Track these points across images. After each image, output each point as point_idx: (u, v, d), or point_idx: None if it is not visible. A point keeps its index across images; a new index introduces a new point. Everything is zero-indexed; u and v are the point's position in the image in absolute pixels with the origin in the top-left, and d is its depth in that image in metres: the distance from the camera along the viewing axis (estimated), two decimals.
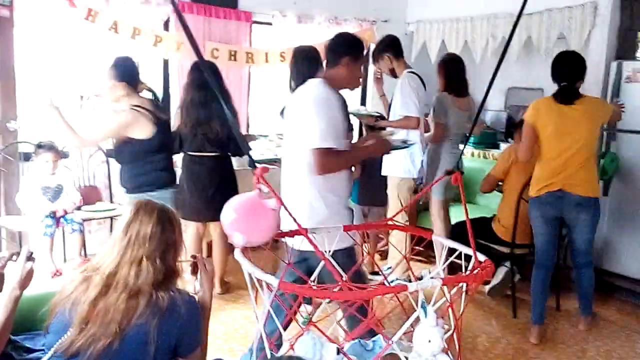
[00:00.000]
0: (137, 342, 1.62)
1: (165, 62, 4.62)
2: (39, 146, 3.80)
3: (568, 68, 3.24)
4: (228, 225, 1.89)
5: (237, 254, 2.00)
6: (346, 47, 2.57)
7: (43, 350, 1.73)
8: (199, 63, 2.18)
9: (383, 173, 4.10)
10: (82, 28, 4.05)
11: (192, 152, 3.71)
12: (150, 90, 3.09)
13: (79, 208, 3.97)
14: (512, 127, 4.35)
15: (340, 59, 2.53)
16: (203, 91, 3.57)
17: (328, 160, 2.35)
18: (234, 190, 3.74)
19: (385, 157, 4.06)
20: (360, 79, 2.69)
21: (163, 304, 1.66)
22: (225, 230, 1.91)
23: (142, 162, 3.02)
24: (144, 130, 2.95)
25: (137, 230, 1.71)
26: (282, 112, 4.50)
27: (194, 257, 1.98)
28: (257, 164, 1.90)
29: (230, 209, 1.88)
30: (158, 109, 3.08)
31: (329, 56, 2.60)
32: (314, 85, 2.51)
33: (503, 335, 3.51)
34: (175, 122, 3.70)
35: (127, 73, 2.99)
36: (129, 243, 1.70)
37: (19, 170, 3.97)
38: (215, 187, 3.71)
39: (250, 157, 1.96)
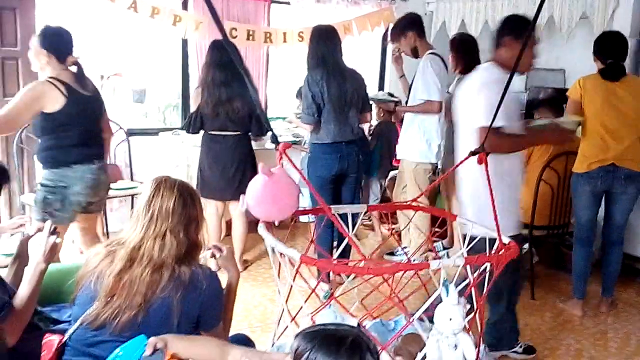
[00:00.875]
0: (161, 315, 1.66)
1: (184, 42, 4.62)
2: None
3: (615, 45, 3.29)
4: (257, 196, 1.90)
5: (261, 229, 2.02)
6: (506, 26, 2.58)
7: (69, 321, 1.78)
8: (223, 41, 2.17)
9: (398, 157, 4.09)
10: (102, 7, 4.07)
11: (213, 131, 3.72)
12: (76, 64, 2.95)
13: None
14: (533, 108, 4.29)
15: (502, 38, 2.54)
16: (224, 70, 3.57)
17: (496, 139, 2.30)
18: (253, 170, 3.73)
19: (401, 141, 4.05)
20: (532, 60, 2.62)
21: (185, 278, 1.69)
22: (252, 202, 1.92)
23: (54, 136, 2.88)
24: (53, 103, 2.83)
25: (160, 205, 1.73)
26: (298, 94, 4.51)
27: (214, 246, 1.98)
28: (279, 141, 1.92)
29: (258, 184, 1.90)
30: (80, 84, 2.96)
31: (495, 38, 2.61)
32: (484, 68, 2.58)
33: (521, 317, 3.47)
34: (194, 101, 3.71)
35: (52, 42, 2.90)
36: (152, 218, 1.72)
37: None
38: (236, 167, 3.74)
39: (273, 133, 1.97)
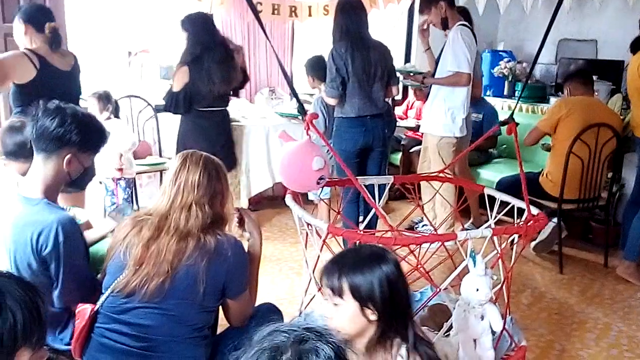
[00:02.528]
0: (188, 282, 1.70)
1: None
2: (92, 93, 3.81)
3: None
4: (283, 164, 1.92)
5: (288, 200, 2.05)
6: None
7: (101, 291, 1.82)
8: (253, 14, 2.16)
9: (422, 130, 4.05)
10: None
11: (201, 108, 3.67)
12: (53, 31, 2.94)
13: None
14: (564, 80, 4.20)
15: None
16: (210, 48, 3.53)
17: None
18: (232, 143, 3.87)
19: (425, 115, 4.00)
20: None
21: (210, 246, 1.73)
22: (280, 170, 1.94)
23: (24, 107, 2.80)
24: (23, 73, 2.83)
25: (186, 178, 1.78)
26: (308, 70, 4.45)
27: (238, 209, 2.03)
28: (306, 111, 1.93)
29: (291, 153, 1.91)
30: (57, 55, 2.96)
31: None
32: None
33: (548, 291, 3.49)
34: (179, 80, 3.59)
35: (29, 13, 2.92)
36: (178, 190, 1.78)
37: None
38: (222, 142, 3.78)
39: (300, 104, 1.99)
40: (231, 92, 3.85)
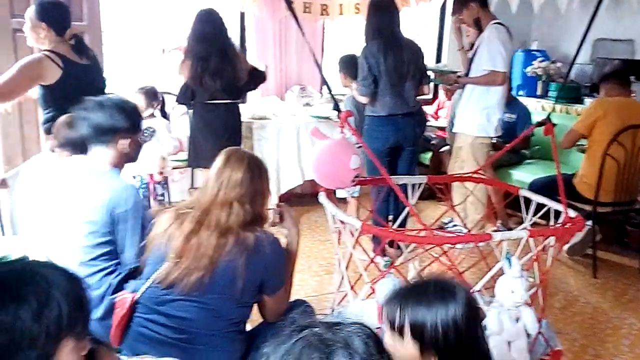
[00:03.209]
0: (227, 278, 1.72)
1: (242, 15, 4.66)
2: (139, 88, 3.85)
3: None
4: (316, 161, 1.92)
5: (322, 198, 2.05)
6: None
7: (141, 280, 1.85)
8: (288, 10, 2.17)
9: (455, 130, 4.01)
10: None
11: (204, 100, 3.66)
12: (76, 36, 2.99)
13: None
14: (600, 80, 4.11)
15: None
16: (209, 42, 3.50)
17: None
18: (239, 137, 3.80)
19: (459, 114, 3.96)
20: None
21: (250, 242, 1.74)
22: (313, 168, 1.95)
23: (56, 107, 2.87)
24: (50, 76, 2.86)
25: (229, 176, 1.80)
26: (341, 68, 4.43)
27: (278, 205, 2.04)
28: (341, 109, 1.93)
29: (327, 150, 1.92)
30: (78, 55, 2.98)
31: None
32: None
33: (581, 295, 3.43)
34: (183, 73, 3.61)
35: (51, 16, 2.90)
36: (220, 186, 1.79)
37: None
38: (228, 135, 3.68)
39: (335, 102, 1.99)
40: (243, 88, 3.79)
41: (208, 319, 1.72)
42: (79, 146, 2.43)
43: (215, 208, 1.77)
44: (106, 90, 3.23)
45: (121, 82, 4.24)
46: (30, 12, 2.91)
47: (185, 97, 3.70)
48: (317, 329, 0.89)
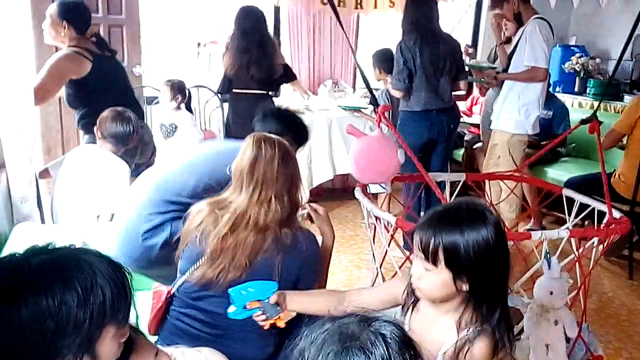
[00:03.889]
0: (263, 275, 1.68)
1: (277, 9, 4.67)
2: (167, 80, 3.91)
3: None
4: (357, 159, 1.91)
5: (358, 193, 2.05)
6: None
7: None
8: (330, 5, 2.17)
9: (492, 127, 3.94)
10: None
11: (237, 89, 3.80)
12: (96, 35, 3.03)
13: None
14: None
15: None
16: (247, 37, 3.66)
17: None
18: None
19: (496, 110, 3.89)
20: None
21: (287, 240, 1.71)
22: (354, 165, 1.94)
23: (89, 101, 2.94)
24: (81, 69, 2.88)
25: (264, 170, 1.72)
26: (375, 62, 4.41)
27: (308, 205, 1.99)
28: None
29: (373, 146, 1.91)
30: (100, 48, 3.01)
31: None
32: None
33: (616, 296, 3.37)
34: (223, 65, 3.80)
35: (73, 15, 2.92)
36: (257, 184, 1.71)
37: (144, 114, 4.20)
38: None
39: (373, 96, 1.98)
40: (278, 81, 3.89)
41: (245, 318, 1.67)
42: (121, 140, 2.54)
43: (252, 208, 1.71)
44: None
45: (158, 75, 4.29)
46: (52, 9, 2.95)
47: (224, 88, 3.85)
48: (348, 321, 0.89)
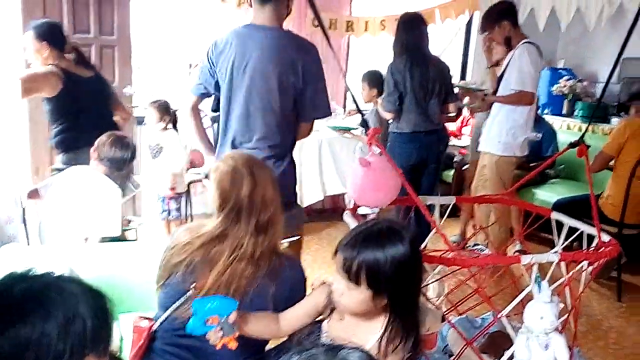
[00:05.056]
0: (257, 307, 1.61)
1: None
2: (151, 102, 3.87)
3: None
4: (360, 186, 1.90)
5: (347, 217, 2.04)
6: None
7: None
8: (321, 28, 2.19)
9: (480, 149, 3.97)
10: None
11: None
12: (75, 50, 3.05)
13: (187, 170, 4.10)
14: (629, 99, 4.05)
15: None
16: None
17: None
18: None
19: (485, 132, 3.91)
20: None
21: (278, 268, 1.66)
22: (356, 193, 1.92)
23: (62, 120, 2.97)
24: (52, 88, 2.90)
25: (262, 196, 1.65)
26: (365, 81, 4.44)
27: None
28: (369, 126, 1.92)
29: (358, 175, 1.90)
30: (80, 68, 3.03)
31: None
32: None
33: (605, 319, 3.37)
34: None
35: (51, 35, 2.95)
36: (254, 212, 1.63)
37: (134, 134, 4.19)
38: None
39: (363, 119, 1.99)
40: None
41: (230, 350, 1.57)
42: (116, 164, 2.61)
43: (250, 238, 1.63)
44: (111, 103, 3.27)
45: (148, 95, 4.29)
46: (29, 36, 2.96)
47: (215, 106, 3.76)
48: (316, 352, 0.88)
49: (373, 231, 1.37)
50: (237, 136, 2.36)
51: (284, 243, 1.81)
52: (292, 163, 2.45)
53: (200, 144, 2.65)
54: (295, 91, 2.27)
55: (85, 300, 1.02)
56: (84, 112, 3.02)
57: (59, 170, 3.01)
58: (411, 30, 3.49)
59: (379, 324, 1.40)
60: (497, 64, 4.04)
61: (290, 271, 1.72)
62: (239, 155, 1.76)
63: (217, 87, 2.39)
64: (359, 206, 2.16)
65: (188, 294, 1.62)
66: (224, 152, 2.23)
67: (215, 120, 4.09)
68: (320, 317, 1.57)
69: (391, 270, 1.32)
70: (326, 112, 2.42)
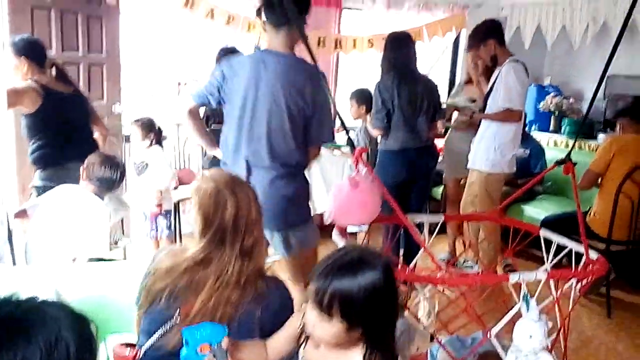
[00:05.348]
0: (244, 332, 1.58)
1: (257, 48, 4.71)
2: (135, 120, 3.85)
3: None
4: (345, 206, 1.91)
5: (335, 236, 2.04)
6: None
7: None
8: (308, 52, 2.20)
9: (469, 166, 3.98)
10: (180, 16, 4.22)
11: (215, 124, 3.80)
12: (55, 65, 3.05)
13: (175, 188, 4.10)
14: (616, 116, 4.09)
15: None
16: None
17: None
18: None
19: (473, 150, 3.93)
20: None
21: (264, 291, 1.62)
22: (339, 212, 1.93)
23: (40, 136, 2.96)
24: (31, 103, 2.90)
25: (246, 218, 1.61)
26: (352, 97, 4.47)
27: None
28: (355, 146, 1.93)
29: (344, 194, 1.91)
30: (60, 84, 3.04)
31: None
32: None
33: (595, 335, 3.37)
34: None
35: (31, 51, 2.95)
36: (239, 235, 1.60)
37: (123, 152, 4.18)
38: None
39: (349, 138, 2.00)
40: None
41: None
42: (105, 184, 2.61)
43: (236, 262, 1.59)
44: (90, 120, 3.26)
45: (138, 113, 4.29)
46: (8, 53, 2.96)
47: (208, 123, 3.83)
48: None
49: (345, 261, 1.31)
50: (250, 157, 2.40)
51: (268, 262, 1.78)
52: (305, 181, 2.52)
53: (201, 142, 2.69)
54: (305, 116, 2.36)
55: (69, 324, 1.00)
56: (63, 128, 3.00)
57: (37, 187, 3.00)
58: (399, 48, 3.52)
59: (356, 354, 1.35)
60: (471, 81, 4.09)
61: (276, 292, 1.68)
62: (219, 174, 1.72)
63: (218, 102, 2.45)
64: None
65: (173, 320, 1.57)
66: (237, 172, 2.21)
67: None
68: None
69: (365, 299, 1.27)
70: (330, 137, 2.50)
